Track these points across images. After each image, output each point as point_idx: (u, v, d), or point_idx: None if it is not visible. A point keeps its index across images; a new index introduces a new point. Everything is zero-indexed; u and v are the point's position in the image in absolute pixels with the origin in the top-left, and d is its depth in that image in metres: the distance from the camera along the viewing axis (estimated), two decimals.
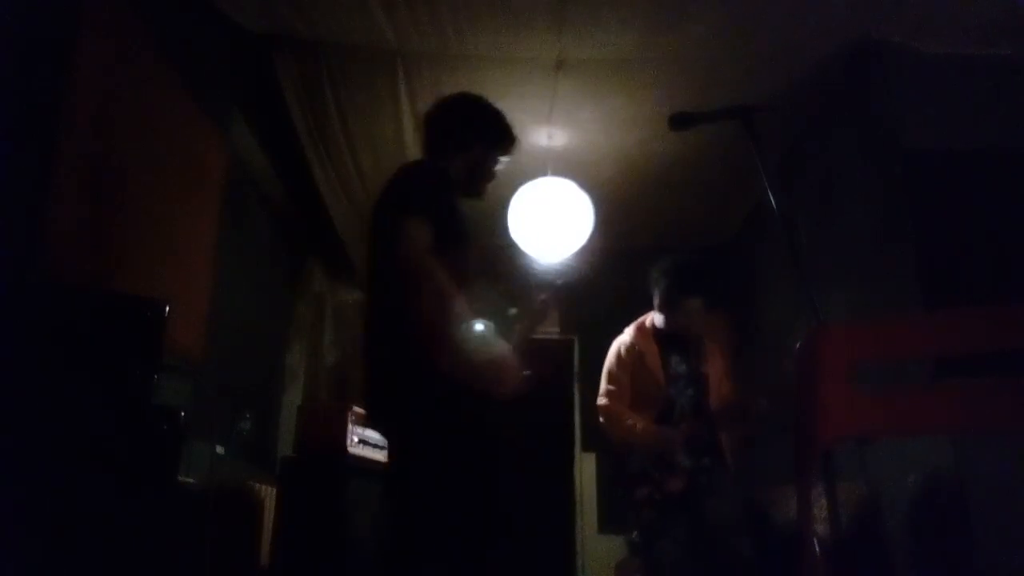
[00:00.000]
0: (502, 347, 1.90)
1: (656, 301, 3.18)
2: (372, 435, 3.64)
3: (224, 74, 3.45)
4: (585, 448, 5.57)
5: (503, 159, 2.17)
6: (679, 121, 2.11)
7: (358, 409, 3.57)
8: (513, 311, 2.29)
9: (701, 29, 3.42)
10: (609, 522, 5.32)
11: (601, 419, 3.10)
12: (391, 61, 3.70)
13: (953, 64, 3.39)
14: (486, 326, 1.92)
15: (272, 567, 3.34)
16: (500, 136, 2.14)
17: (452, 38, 3.51)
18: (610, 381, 3.11)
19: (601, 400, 3.11)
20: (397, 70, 3.75)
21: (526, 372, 1.95)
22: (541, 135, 4.34)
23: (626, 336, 3.20)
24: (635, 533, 3.03)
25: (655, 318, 3.19)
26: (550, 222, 4.12)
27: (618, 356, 3.14)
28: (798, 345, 1.31)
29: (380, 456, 3.65)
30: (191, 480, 2.72)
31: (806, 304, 1.71)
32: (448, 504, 1.76)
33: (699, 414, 3.03)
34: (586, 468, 5.51)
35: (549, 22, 3.41)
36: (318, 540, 3.27)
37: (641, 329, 3.18)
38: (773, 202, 1.95)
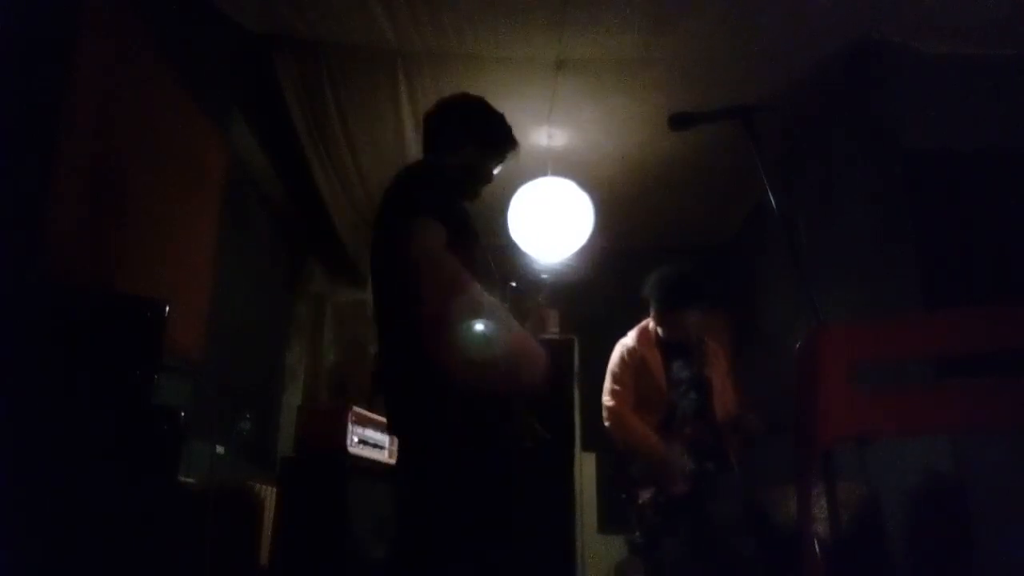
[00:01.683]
0: (529, 337, 1.88)
1: (652, 313, 3.19)
2: (372, 435, 3.64)
3: (224, 74, 3.44)
4: (585, 448, 5.56)
5: (501, 163, 2.15)
6: (679, 121, 2.11)
7: (358, 409, 3.57)
8: (514, 284, 2.29)
9: (701, 29, 3.42)
10: (609, 522, 5.32)
11: (607, 421, 3.10)
12: (391, 61, 3.70)
13: (953, 64, 3.39)
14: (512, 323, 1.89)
15: (272, 567, 3.34)
16: (497, 139, 2.12)
17: (452, 38, 3.51)
18: (615, 381, 3.12)
19: (607, 400, 3.11)
20: (397, 70, 3.75)
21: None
22: (541, 135, 4.34)
23: (629, 340, 3.22)
24: (638, 535, 3.03)
25: (657, 327, 3.21)
26: (550, 222, 4.12)
27: (622, 358, 3.16)
28: (798, 345, 1.31)
29: (380, 456, 3.66)
30: (191, 480, 2.72)
31: (806, 304, 1.71)
32: (464, 508, 1.74)
33: (702, 418, 3.04)
34: (586, 468, 5.51)
35: (549, 22, 3.41)
36: (318, 540, 3.27)
37: (644, 334, 3.20)
38: (773, 202, 1.94)
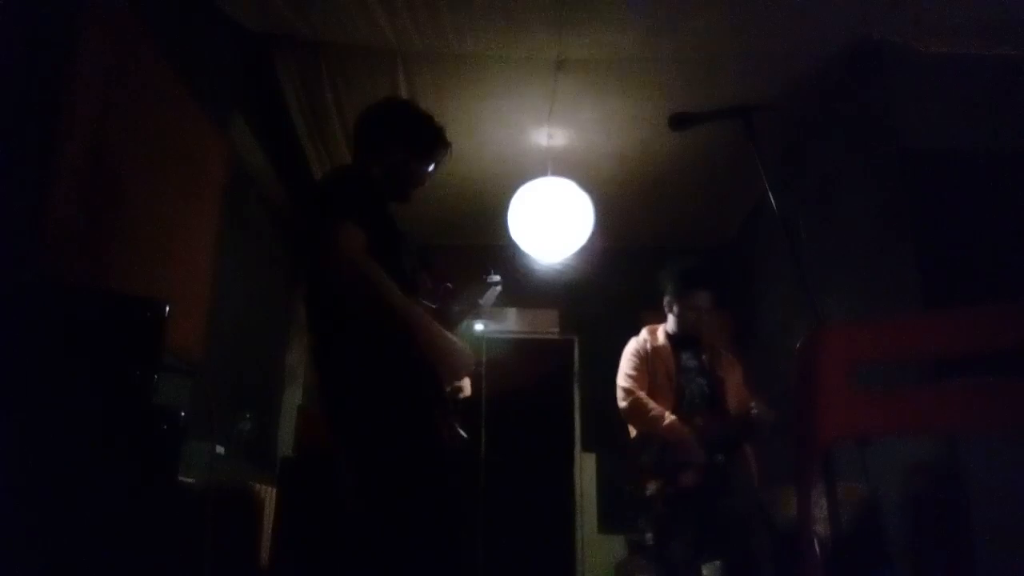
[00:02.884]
0: (452, 336, 1.92)
1: (666, 300, 3.23)
2: None
3: (224, 74, 3.44)
4: (585, 448, 5.57)
5: (432, 164, 2.15)
6: (679, 121, 2.11)
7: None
8: (495, 277, 2.32)
9: (701, 29, 3.42)
10: (609, 522, 5.32)
11: (622, 402, 3.11)
12: (391, 61, 3.70)
13: (953, 64, 3.39)
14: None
15: (272, 567, 3.34)
16: (422, 142, 2.11)
17: (452, 38, 3.51)
18: (630, 368, 3.16)
19: (623, 382, 3.13)
20: (397, 70, 3.74)
21: (476, 360, 1.97)
22: (541, 135, 4.34)
23: (640, 334, 3.28)
24: (644, 528, 3.04)
25: (667, 325, 3.27)
26: (550, 222, 4.12)
27: (635, 350, 3.22)
28: (798, 345, 1.31)
29: None
30: (191, 480, 2.72)
31: (806, 304, 1.71)
32: (394, 501, 1.78)
33: (712, 408, 3.05)
34: (586, 468, 5.51)
35: (549, 22, 3.41)
36: (318, 540, 3.27)
37: (654, 332, 3.26)
38: (773, 202, 1.95)
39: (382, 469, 1.80)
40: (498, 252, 4.49)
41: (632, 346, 3.24)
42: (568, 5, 3.29)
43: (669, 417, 2.96)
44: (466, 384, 2.21)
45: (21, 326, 1.74)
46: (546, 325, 5.82)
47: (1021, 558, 2.60)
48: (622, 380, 3.16)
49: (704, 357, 3.19)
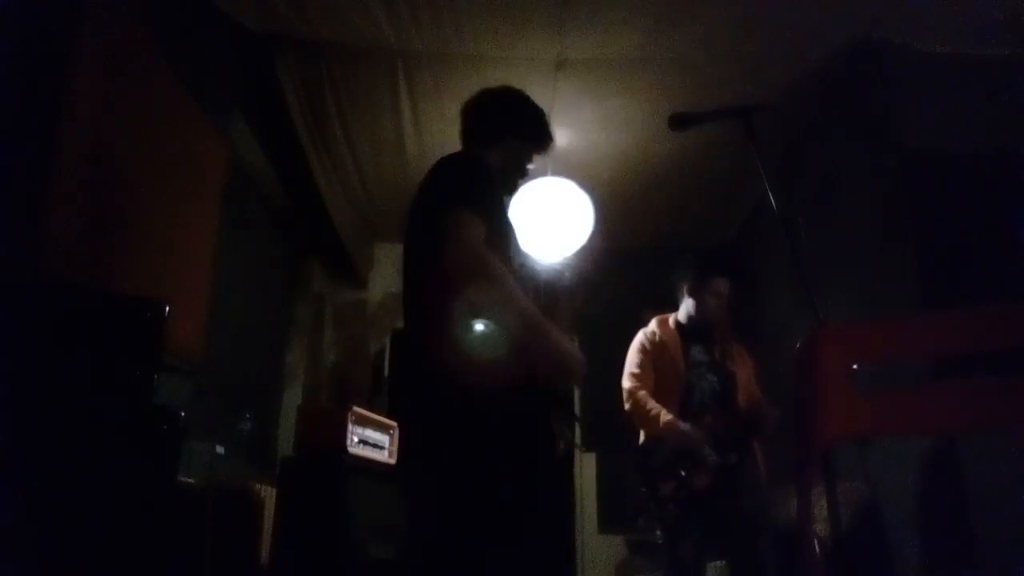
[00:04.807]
0: (566, 340, 1.82)
1: (684, 288, 3.17)
2: (372, 435, 3.64)
3: (224, 74, 3.44)
4: (585, 448, 5.57)
5: (538, 156, 2.12)
6: (679, 121, 2.11)
7: (358, 409, 3.57)
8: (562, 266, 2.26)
9: (701, 29, 3.42)
10: (609, 522, 5.32)
11: (626, 404, 3.07)
12: (391, 61, 3.70)
13: (953, 64, 3.39)
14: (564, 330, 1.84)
15: (272, 567, 3.34)
16: (537, 132, 2.09)
17: (452, 38, 3.51)
18: (635, 366, 3.11)
19: (626, 383, 3.09)
20: (397, 70, 3.75)
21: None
22: None
23: (649, 326, 3.22)
24: (646, 526, 3.02)
25: (679, 314, 3.21)
26: (550, 222, 4.12)
27: (641, 344, 3.16)
28: (798, 345, 1.31)
29: (380, 456, 3.65)
30: (191, 480, 2.72)
31: (806, 304, 1.71)
32: (483, 506, 1.69)
33: (723, 405, 3.01)
34: (586, 468, 5.51)
35: (549, 22, 3.41)
36: (318, 540, 3.27)
37: (664, 321, 3.20)
38: (773, 202, 1.95)
39: (490, 477, 1.68)
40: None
41: (639, 340, 3.17)
42: (568, 5, 3.29)
43: (666, 416, 2.91)
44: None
45: (21, 326, 1.74)
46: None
47: (1021, 558, 2.60)
48: (625, 380, 3.10)
49: (716, 351, 3.12)
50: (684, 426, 2.89)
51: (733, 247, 5.57)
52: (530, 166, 2.12)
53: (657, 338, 3.14)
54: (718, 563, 3.13)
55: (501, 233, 1.79)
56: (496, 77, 3.89)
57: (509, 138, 2.04)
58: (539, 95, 3.98)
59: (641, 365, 3.10)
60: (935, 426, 1.76)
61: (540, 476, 1.73)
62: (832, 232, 3.78)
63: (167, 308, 1.95)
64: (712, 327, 3.14)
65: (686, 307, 3.19)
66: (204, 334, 3.08)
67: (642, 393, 3.02)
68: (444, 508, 1.72)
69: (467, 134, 2.09)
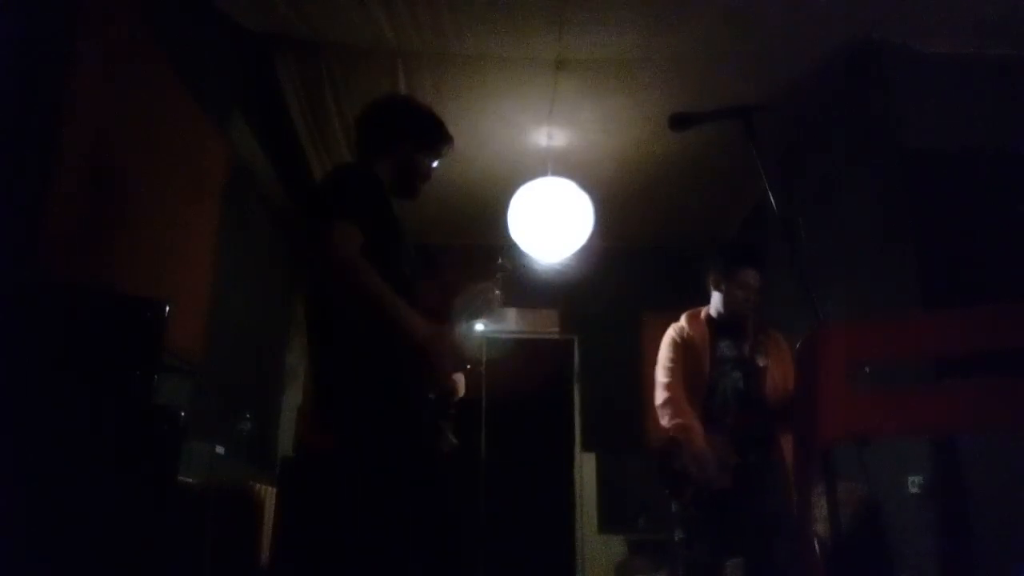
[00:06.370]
0: (442, 333, 1.90)
1: (711, 278, 3.12)
2: None
3: (224, 74, 3.45)
4: (585, 448, 5.57)
5: (436, 159, 2.16)
6: (679, 121, 2.11)
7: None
8: (500, 261, 2.30)
9: (701, 29, 3.42)
10: (609, 522, 5.32)
11: (657, 399, 2.97)
12: (391, 61, 3.70)
13: (953, 64, 3.39)
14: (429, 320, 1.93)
15: (272, 567, 3.34)
16: (426, 136, 2.12)
17: (452, 38, 3.51)
18: (668, 360, 3.04)
19: (660, 376, 2.98)
20: (397, 70, 3.74)
21: (468, 361, 1.95)
22: (541, 135, 4.34)
23: (680, 321, 3.15)
24: (678, 532, 2.98)
25: (709, 308, 3.11)
26: (550, 222, 4.12)
27: (672, 340, 3.08)
28: (798, 345, 1.31)
29: None
30: (191, 480, 2.72)
31: (806, 304, 1.71)
32: (377, 502, 1.78)
33: (747, 404, 2.96)
34: (586, 468, 5.51)
35: (549, 22, 3.41)
36: (318, 540, 3.27)
37: (694, 317, 3.13)
38: (773, 202, 1.94)
39: (372, 471, 1.80)
40: (498, 252, 4.50)
41: (669, 336, 3.09)
42: (568, 5, 3.29)
43: (685, 426, 2.83)
44: (460, 385, 2.19)
45: (21, 326, 1.74)
46: (546, 325, 5.82)
47: (1020, 557, 2.60)
48: (659, 373, 3.03)
49: (745, 345, 3.01)
50: (700, 447, 2.84)
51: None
52: (433, 165, 2.15)
53: (686, 334, 3.07)
54: (735, 560, 3.09)
55: (386, 242, 1.87)
56: (496, 77, 3.92)
57: (398, 146, 2.08)
58: (539, 95, 4.04)
59: (674, 360, 3.03)
60: (935, 426, 1.76)
61: (410, 473, 1.80)
62: (832, 232, 3.78)
63: (167, 308, 1.95)
64: (742, 320, 3.08)
65: (714, 301, 3.13)
66: (204, 334, 3.08)
67: (674, 392, 2.96)
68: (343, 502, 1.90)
69: (358, 145, 2.15)
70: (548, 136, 4.35)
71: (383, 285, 1.75)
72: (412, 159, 2.09)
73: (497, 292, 2.20)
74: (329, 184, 1.99)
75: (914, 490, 3.00)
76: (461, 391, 2.23)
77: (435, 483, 1.84)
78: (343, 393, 1.83)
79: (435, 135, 2.14)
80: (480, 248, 5.13)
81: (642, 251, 5.71)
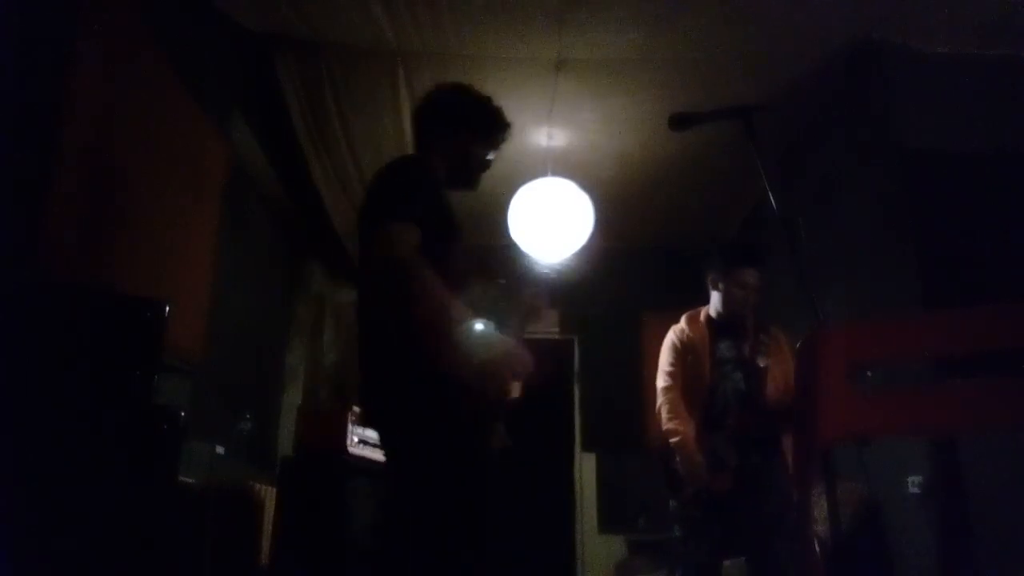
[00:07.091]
0: (505, 342, 1.85)
1: (711, 279, 3.09)
2: (372, 435, 3.64)
3: (224, 74, 3.45)
4: (585, 448, 5.57)
5: (495, 148, 2.11)
6: (679, 121, 2.11)
7: (358, 409, 3.57)
8: (502, 281, 2.26)
9: (701, 29, 3.42)
10: (609, 522, 5.32)
11: (658, 402, 3.00)
12: (391, 61, 3.70)
13: (953, 64, 3.39)
14: (485, 324, 1.85)
15: (272, 567, 3.34)
16: (487, 125, 2.07)
17: (452, 38, 3.52)
18: (668, 364, 3.04)
19: (660, 381, 3.02)
20: (397, 70, 3.75)
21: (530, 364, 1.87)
22: (541, 135, 4.34)
23: (680, 323, 3.15)
24: (678, 531, 2.98)
25: (709, 308, 3.12)
26: (550, 222, 4.12)
27: (672, 343, 3.08)
28: (798, 345, 1.31)
29: (380, 456, 3.66)
30: (191, 480, 2.72)
31: (806, 304, 1.71)
32: (434, 506, 1.74)
33: (748, 404, 2.96)
34: (586, 468, 5.51)
35: (549, 22, 3.41)
36: (318, 540, 3.27)
37: (694, 319, 3.13)
38: (773, 202, 1.94)
39: (421, 474, 1.75)
40: (498, 252, 4.50)
41: (670, 339, 3.11)
42: (568, 5, 3.29)
43: (678, 436, 2.87)
44: (515, 385, 2.13)
45: (21, 326, 1.74)
46: (546, 325, 5.82)
47: (1020, 557, 2.60)
48: (659, 379, 3.05)
49: (745, 345, 3.00)
50: (689, 454, 2.84)
51: None
52: (491, 156, 2.10)
53: (686, 337, 3.06)
54: (736, 560, 3.09)
55: (445, 235, 1.83)
56: (496, 77, 3.92)
57: (457, 136, 2.03)
58: (539, 95, 4.04)
59: (674, 364, 3.03)
60: (935, 426, 1.76)
61: (461, 475, 1.77)
62: (832, 232, 3.78)
63: (167, 308, 1.95)
64: (741, 320, 3.07)
65: (714, 301, 3.12)
66: (204, 334, 3.08)
67: (672, 396, 2.97)
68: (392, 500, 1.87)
69: (417, 137, 2.11)
70: (548, 136, 4.35)
71: (442, 288, 1.70)
72: (471, 150, 2.05)
73: (543, 301, 2.16)
74: (385, 180, 1.90)
75: (914, 490, 3.00)
76: (516, 391, 2.19)
77: (486, 485, 1.81)
78: (396, 395, 1.79)
79: (492, 124, 2.08)
80: (480, 248, 5.14)
81: (642, 251, 5.71)
